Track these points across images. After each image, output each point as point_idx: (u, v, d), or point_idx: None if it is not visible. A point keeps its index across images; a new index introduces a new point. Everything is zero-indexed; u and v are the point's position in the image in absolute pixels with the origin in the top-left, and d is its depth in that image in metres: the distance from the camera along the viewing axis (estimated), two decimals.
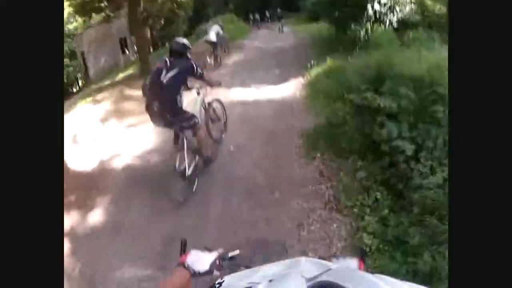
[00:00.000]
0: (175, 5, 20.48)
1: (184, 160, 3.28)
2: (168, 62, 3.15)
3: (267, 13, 22.22)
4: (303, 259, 0.93)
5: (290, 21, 20.80)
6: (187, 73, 3.25)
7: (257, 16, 21.49)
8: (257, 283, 0.79)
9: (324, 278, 0.69)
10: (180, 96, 3.23)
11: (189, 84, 3.47)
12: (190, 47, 3.38)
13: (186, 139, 3.36)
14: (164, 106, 3.18)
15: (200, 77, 3.34)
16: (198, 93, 3.81)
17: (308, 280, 0.69)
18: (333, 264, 0.88)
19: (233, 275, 0.97)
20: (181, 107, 3.27)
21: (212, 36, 8.61)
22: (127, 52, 19.67)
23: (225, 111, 4.48)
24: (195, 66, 3.26)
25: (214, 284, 0.90)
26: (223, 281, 0.91)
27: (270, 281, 0.77)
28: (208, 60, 8.54)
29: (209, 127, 4.00)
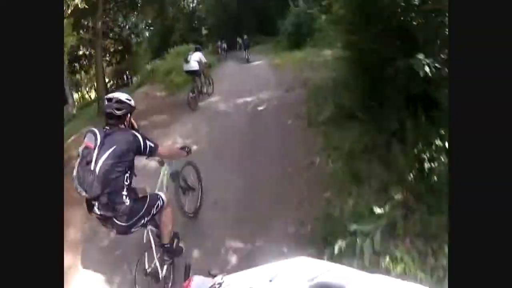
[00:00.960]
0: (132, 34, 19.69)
1: (154, 259, 2.40)
2: (98, 136, 2.03)
3: (240, 40, 17.54)
4: (303, 259, 0.93)
5: (266, 49, 16.80)
6: (131, 150, 2.10)
7: (224, 45, 18.13)
8: (257, 283, 0.80)
9: (324, 278, 0.69)
10: (126, 187, 2.13)
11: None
12: (133, 104, 2.27)
13: (151, 234, 2.45)
14: (105, 207, 2.06)
15: (152, 153, 2.26)
16: (161, 163, 2.84)
17: (308, 280, 0.69)
18: (333, 264, 0.88)
19: (233, 275, 0.97)
20: (130, 204, 2.14)
21: (194, 65, 6.95)
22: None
23: (200, 177, 3.42)
24: (141, 140, 2.14)
25: (214, 284, 0.90)
26: (223, 281, 0.90)
27: (270, 281, 0.77)
28: (191, 94, 6.81)
29: (180, 201, 2.99)
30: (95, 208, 2.08)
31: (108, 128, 2.13)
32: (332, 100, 4.76)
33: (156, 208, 2.36)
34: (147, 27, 26.11)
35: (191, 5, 30.04)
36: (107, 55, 19.41)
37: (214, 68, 12.33)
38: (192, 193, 3.29)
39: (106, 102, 2.20)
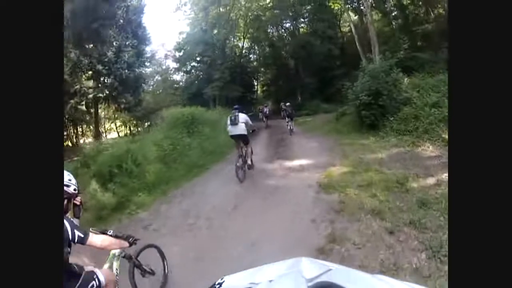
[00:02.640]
0: None
1: None
2: None
3: (283, 105, 12.83)
4: (303, 259, 0.93)
5: (324, 123, 12.01)
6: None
7: (266, 110, 14.37)
8: (257, 283, 0.80)
9: (324, 278, 0.69)
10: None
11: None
12: (73, 189, 2.10)
13: None
14: None
15: (82, 243, 1.92)
16: None
17: (308, 280, 0.69)
18: (333, 265, 0.88)
19: (233, 275, 0.97)
20: None
21: (242, 127, 5.62)
22: None
23: (165, 262, 3.12)
24: (69, 231, 1.84)
25: (214, 284, 0.90)
26: (223, 281, 0.91)
27: (270, 281, 0.78)
28: (238, 164, 5.72)
29: (134, 285, 2.65)
30: None
31: None
32: None
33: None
34: None
35: (238, 51, 23.39)
36: None
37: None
38: (151, 277, 2.91)
39: None
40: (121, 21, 13.05)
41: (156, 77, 22.59)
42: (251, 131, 6.10)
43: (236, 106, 6.25)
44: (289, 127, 10.87)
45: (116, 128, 20.05)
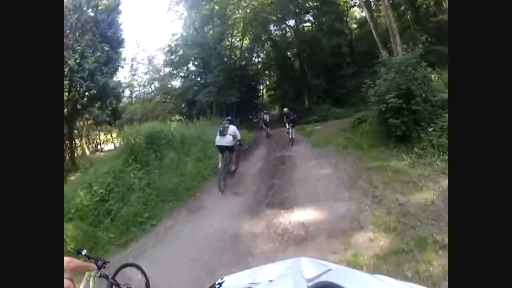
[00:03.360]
0: None
1: None
2: None
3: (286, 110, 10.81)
4: (303, 259, 0.93)
5: (333, 134, 9.33)
6: None
7: (266, 117, 12.64)
8: (257, 283, 0.80)
9: (324, 278, 0.69)
10: None
11: None
12: None
13: None
14: None
15: None
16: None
17: (308, 280, 0.69)
18: (333, 265, 0.88)
19: (233, 275, 0.97)
20: None
21: (228, 140, 5.68)
22: None
23: (147, 282, 3.02)
24: None
25: (214, 284, 0.91)
26: (223, 281, 0.91)
27: (270, 281, 0.78)
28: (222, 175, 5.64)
29: None
30: None
31: None
32: None
33: None
34: None
35: (239, 53, 20.37)
36: None
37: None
38: None
39: None
40: (89, 21, 11.18)
41: (155, 83, 20.58)
42: (238, 144, 5.95)
43: (228, 118, 6.26)
44: (289, 136, 9.30)
45: (113, 139, 18.67)
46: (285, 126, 9.95)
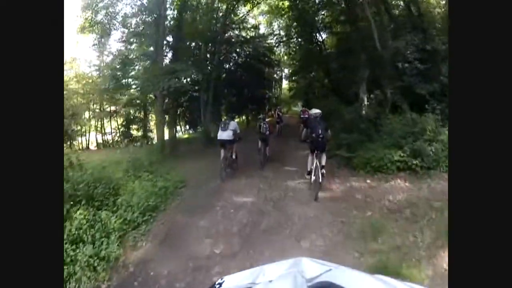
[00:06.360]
0: None
1: None
2: None
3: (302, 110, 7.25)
4: (303, 259, 0.93)
5: None
6: None
7: (264, 126, 7.11)
8: (257, 283, 0.80)
9: (324, 278, 0.69)
10: None
11: None
12: None
13: None
14: None
15: None
16: None
17: (308, 280, 0.69)
18: (333, 265, 0.88)
19: (233, 275, 0.97)
20: None
21: (228, 134, 6.17)
22: None
23: None
24: None
25: (214, 284, 0.90)
26: (223, 281, 0.91)
27: (270, 281, 0.77)
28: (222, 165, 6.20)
29: None
30: None
31: None
32: None
33: None
34: None
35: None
36: None
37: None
38: None
39: None
40: None
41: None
42: (237, 139, 6.58)
43: (230, 115, 7.55)
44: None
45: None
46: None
